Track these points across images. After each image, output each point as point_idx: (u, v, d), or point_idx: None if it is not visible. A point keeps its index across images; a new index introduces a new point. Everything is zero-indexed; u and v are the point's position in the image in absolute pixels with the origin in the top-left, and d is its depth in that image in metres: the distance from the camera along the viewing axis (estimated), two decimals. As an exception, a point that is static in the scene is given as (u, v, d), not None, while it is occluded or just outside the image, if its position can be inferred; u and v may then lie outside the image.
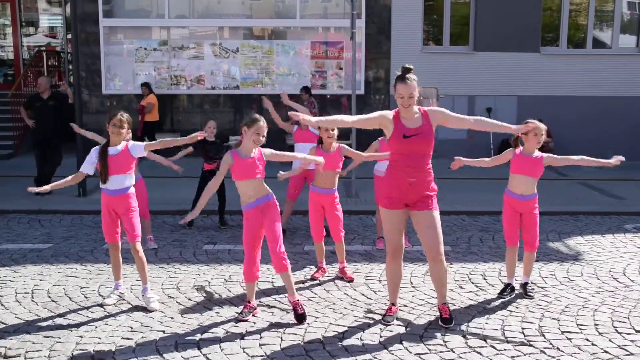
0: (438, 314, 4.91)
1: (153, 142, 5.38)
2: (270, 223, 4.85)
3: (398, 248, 4.84)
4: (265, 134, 4.82)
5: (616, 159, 5.07)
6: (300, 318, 4.83)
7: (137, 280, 5.76)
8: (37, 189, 5.07)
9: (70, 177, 5.17)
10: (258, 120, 4.79)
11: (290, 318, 4.89)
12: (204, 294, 5.48)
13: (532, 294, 5.42)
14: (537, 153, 5.25)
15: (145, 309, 5.10)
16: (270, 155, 4.92)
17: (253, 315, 4.95)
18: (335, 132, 5.84)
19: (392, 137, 4.65)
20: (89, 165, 5.10)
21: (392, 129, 4.64)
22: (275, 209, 4.91)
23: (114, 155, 5.06)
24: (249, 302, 5.01)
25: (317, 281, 5.87)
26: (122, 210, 5.16)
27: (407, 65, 4.66)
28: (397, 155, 4.67)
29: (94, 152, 5.09)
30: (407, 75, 4.58)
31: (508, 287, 5.50)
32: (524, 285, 5.49)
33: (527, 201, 5.28)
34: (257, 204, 4.84)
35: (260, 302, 5.26)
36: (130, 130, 5.29)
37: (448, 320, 4.77)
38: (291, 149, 7.74)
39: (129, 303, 5.26)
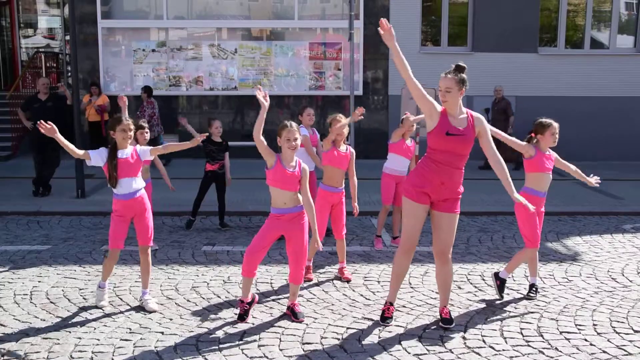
0: (437, 314, 4.92)
1: (158, 146, 5.44)
2: (298, 234, 4.79)
3: (414, 244, 4.80)
4: (297, 137, 4.70)
5: (595, 179, 5.46)
6: (298, 316, 4.92)
7: (136, 281, 5.76)
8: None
9: (80, 152, 4.92)
10: (286, 126, 4.73)
11: (289, 319, 4.91)
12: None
13: (533, 295, 5.44)
14: (549, 151, 5.41)
15: (143, 310, 5.10)
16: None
17: (251, 305, 4.97)
18: (346, 131, 5.89)
19: (434, 131, 4.55)
20: (98, 157, 5.00)
21: (437, 123, 4.55)
22: (304, 219, 4.83)
23: (124, 159, 5.05)
24: (242, 301, 4.97)
25: (316, 282, 5.87)
26: (137, 212, 5.14)
27: (459, 64, 4.60)
28: (436, 151, 4.58)
29: (104, 151, 5.05)
30: (448, 71, 4.57)
31: (533, 287, 5.51)
32: (532, 286, 5.51)
33: (544, 198, 5.38)
34: (290, 212, 4.76)
35: (258, 303, 5.26)
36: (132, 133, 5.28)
37: (448, 321, 4.78)
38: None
39: (128, 304, 5.26)
